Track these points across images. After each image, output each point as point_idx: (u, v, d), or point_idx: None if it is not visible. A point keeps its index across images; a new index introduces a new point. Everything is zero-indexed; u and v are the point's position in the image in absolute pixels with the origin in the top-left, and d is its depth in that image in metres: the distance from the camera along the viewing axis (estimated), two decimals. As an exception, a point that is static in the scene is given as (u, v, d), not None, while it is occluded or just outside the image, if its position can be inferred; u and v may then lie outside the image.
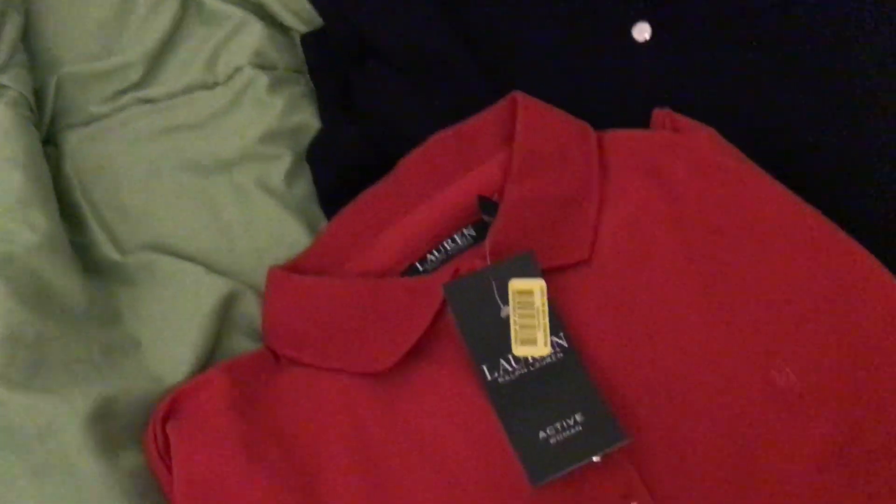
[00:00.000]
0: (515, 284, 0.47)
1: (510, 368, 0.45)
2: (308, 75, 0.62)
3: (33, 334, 0.48)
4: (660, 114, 0.53)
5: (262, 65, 0.61)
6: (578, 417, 0.44)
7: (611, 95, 0.56)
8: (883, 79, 0.54)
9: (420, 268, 0.51)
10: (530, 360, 0.45)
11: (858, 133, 0.53)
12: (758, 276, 0.46)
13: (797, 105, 0.54)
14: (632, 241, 0.49)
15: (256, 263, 0.55)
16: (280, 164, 0.58)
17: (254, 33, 0.61)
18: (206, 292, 0.52)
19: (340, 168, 0.57)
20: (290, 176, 0.58)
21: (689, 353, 0.46)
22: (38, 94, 0.59)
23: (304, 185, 0.59)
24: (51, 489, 0.44)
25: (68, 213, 0.56)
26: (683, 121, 0.52)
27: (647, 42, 0.56)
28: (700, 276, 0.47)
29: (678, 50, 0.55)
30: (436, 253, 0.51)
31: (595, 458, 0.43)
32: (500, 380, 0.45)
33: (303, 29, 0.62)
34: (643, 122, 0.54)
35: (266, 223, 0.56)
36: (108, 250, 0.55)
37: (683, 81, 0.55)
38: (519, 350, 0.45)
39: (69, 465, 0.45)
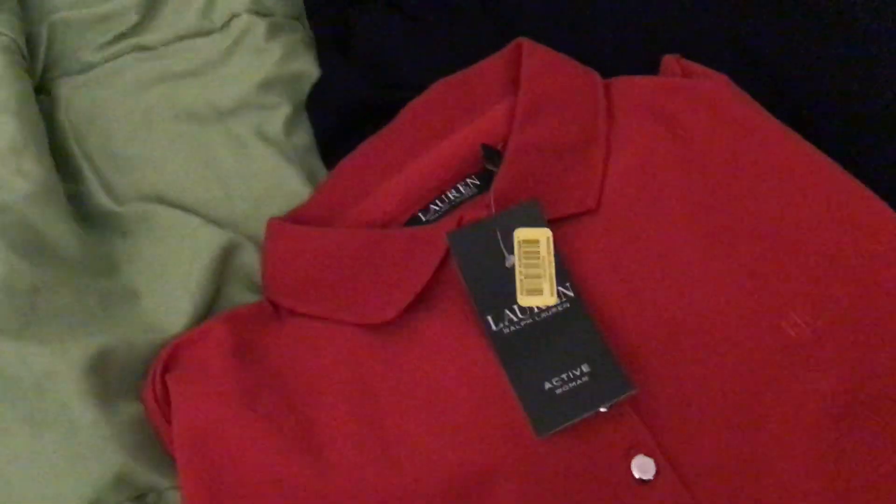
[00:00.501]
0: (521, 234, 0.46)
1: (515, 319, 0.44)
2: (307, 22, 0.61)
3: (28, 284, 0.47)
4: (670, 59, 0.51)
5: (259, 11, 0.59)
6: (585, 368, 0.43)
7: (620, 42, 0.55)
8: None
9: (423, 218, 0.50)
10: (536, 311, 0.44)
11: (872, 81, 0.51)
12: (768, 224, 0.45)
13: (810, 52, 0.52)
14: (640, 188, 0.48)
15: (255, 214, 0.54)
16: (278, 112, 0.57)
17: (251, -21, 0.59)
18: (204, 243, 0.51)
19: (340, 115, 0.56)
20: (289, 125, 0.57)
21: (698, 301, 0.45)
22: (31, 40, 0.58)
23: (304, 135, 0.57)
24: (47, 439, 0.43)
25: (62, 162, 0.55)
26: (694, 67, 0.51)
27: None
28: (709, 224, 0.46)
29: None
30: (439, 202, 0.50)
31: (602, 409, 0.42)
32: (505, 330, 0.44)
33: (301, -26, 0.61)
34: (653, 68, 0.52)
35: (264, 173, 0.55)
36: (103, 200, 0.54)
37: (693, 27, 0.53)
38: (524, 300, 0.45)
39: (66, 414, 0.44)
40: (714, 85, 0.49)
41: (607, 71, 0.52)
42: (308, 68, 0.59)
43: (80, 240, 0.51)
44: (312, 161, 0.57)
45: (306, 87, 0.58)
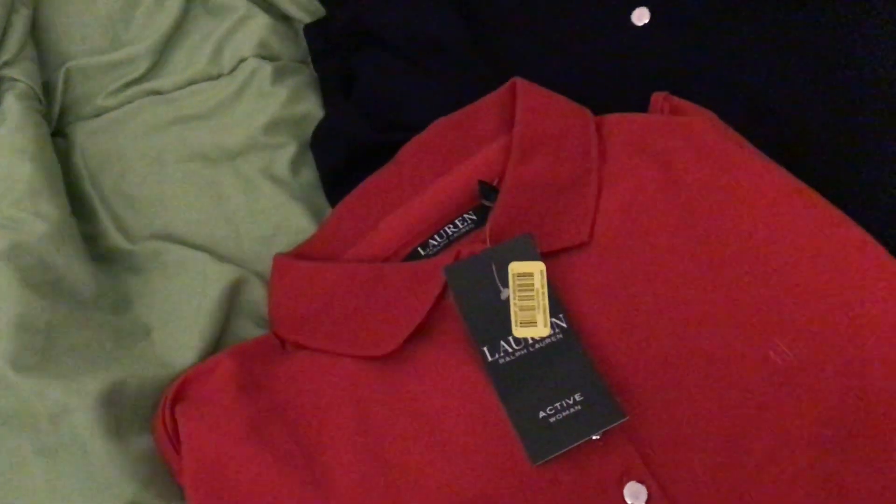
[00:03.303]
0: (515, 267, 0.47)
1: (510, 349, 0.46)
2: (312, 65, 0.63)
3: (44, 321, 0.49)
4: (658, 97, 0.53)
5: (266, 55, 0.61)
6: (578, 397, 0.44)
7: (610, 79, 0.57)
8: (880, 57, 0.54)
9: (422, 252, 0.52)
10: (530, 341, 0.46)
11: (853, 111, 0.53)
12: (755, 256, 0.47)
13: (793, 84, 0.54)
14: (630, 222, 0.49)
15: (262, 250, 0.56)
16: (285, 152, 0.59)
17: (258, 24, 0.62)
18: (213, 279, 0.53)
19: (343, 154, 0.58)
20: (295, 164, 0.59)
21: (687, 331, 0.46)
22: (48, 86, 0.61)
23: (309, 173, 0.60)
24: (62, 471, 0.45)
25: (78, 203, 0.58)
26: (682, 104, 0.52)
27: (645, 26, 0.56)
28: (698, 256, 0.47)
29: (675, 32, 0.56)
30: (438, 237, 0.52)
31: (594, 437, 0.44)
32: (501, 361, 0.46)
33: (306, 19, 0.64)
34: (642, 104, 0.54)
35: (271, 211, 0.57)
36: (117, 239, 0.56)
37: (681, 63, 0.55)
38: (519, 331, 0.46)
39: (80, 447, 0.46)
40: (701, 121, 0.50)
41: (598, 107, 0.54)
42: (313, 110, 0.61)
43: (95, 277, 0.53)
44: (317, 198, 0.59)
45: (311, 128, 0.60)
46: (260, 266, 0.56)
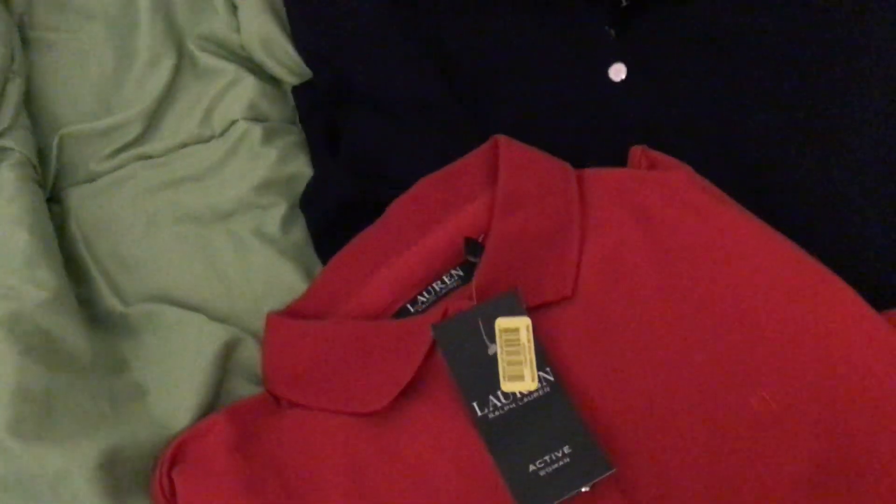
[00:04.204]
0: (501, 323, 0.49)
1: (499, 404, 0.47)
2: (300, 125, 0.65)
3: (42, 388, 0.49)
4: (636, 151, 0.55)
5: (255, 117, 0.63)
6: (566, 450, 0.45)
7: (590, 133, 0.58)
8: (856, 105, 0.55)
9: (411, 309, 0.53)
10: (518, 396, 0.47)
11: (830, 162, 0.54)
12: (735, 306, 0.48)
13: (770, 135, 0.56)
14: (613, 274, 0.51)
15: (255, 309, 0.57)
16: (275, 212, 0.61)
17: (247, 87, 0.63)
18: (207, 340, 0.54)
19: (332, 213, 0.59)
20: (286, 223, 0.61)
21: (671, 382, 0.47)
22: (42, 153, 0.62)
23: (300, 232, 0.61)
24: (63, 537, 0.46)
25: (73, 267, 0.59)
26: (659, 157, 0.54)
27: (622, 81, 0.58)
28: (679, 307, 0.49)
29: (652, 87, 0.57)
30: (426, 293, 0.53)
31: (584, 489, 0.45)
32: (490, 415, 0.47)
33: (293, 80, 0.65)
34: (622, 157, 0.56)
35: (263, 270, 0.59)
36: (112, 302, 0.57)
37: (658, 116, 0.57)
38: (507, 386, 0.47)
39: (80, 513, 0.46)
40: (678, 175, 0.52)
41: (579, 162, 0.56)
42: (302, 169, 0.63)
43: (91, 342, 0.54)
44: (308, 256, 0.60)
45: (301, 187, 0.62)
46: (254, 324, 0.57)
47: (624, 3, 0.58)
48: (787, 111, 0.55)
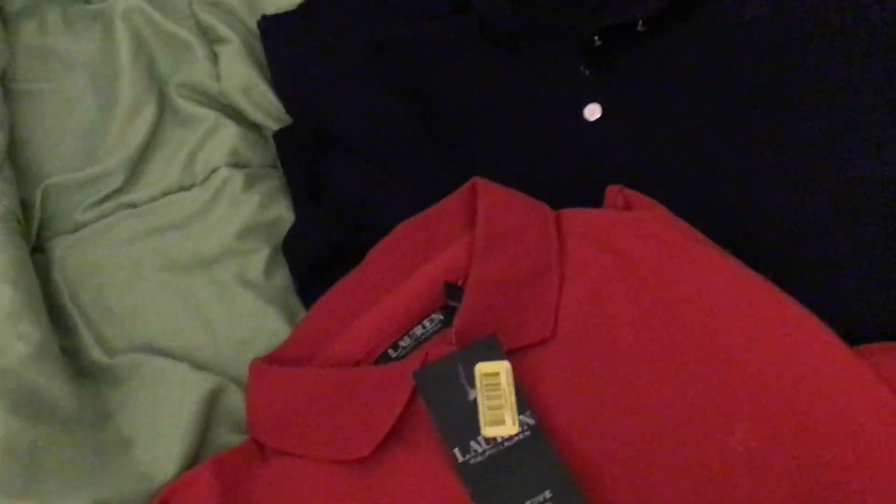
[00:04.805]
0: (481, 367, 0.49)
1: (480, 449, 0.47)
2: (281, 169, 0.65)
3: (28, 443, 0.50)
4: (613, 190, 0.55)
5: (237, 163, 0.64)
6: (548, 494, 0.46)
7: (566, 173, 0.59)
8: (830, 140, 0.56)
9: (392, 354, 0.53)
10: (499, 440, 0.47)
11: (805, 196, 0.55)
12: (712, 346, 0.48)
13: (743, 172, 0.56)
14: (591, 316, 0.51)
15: (240, 355, 0.58)
16: (258, 257, 0.61)
17: (228, 134, 0.64)
18: (191, 389, 0.55)
19: (314, 258, 0.60)
20: (269, 268, 0.61)
21: (651, 422, 0.48)
22: (26, 204, 0.62)
23: (282, 277, 0.61)
24: None
25: (57, 317, 0.59)
26: (635, 197, 0.54)
27: (597, 121, 0.59)
28: (657, 348, 0.49)
29: (627, 126, 0.58)
30: (407, 338, 0.54)
31: (566, 532, 0.45)
32: (472, 461, 0.47)
33: (274, 126, 0.66)
34: (598, 198, 0.56)
35: (247, 316, 0.59)
36: (96, 353, 0.58)
37: (633, 156, 0.58)
38: (488, 431, 0.48)
39: (66, 570, 0.47)
40: (652, 216, 0.52)
41: (556, 202, 0.56)
42: (284, 213, 0.63)
43: (76, 394, 0.54)
44: (292, 301, 0.61)
45: (283, 231, 0.62)
46: (240, 371, 0.57)
47: (597, 43, 0.59)
48: (760, 147, 0.56)
